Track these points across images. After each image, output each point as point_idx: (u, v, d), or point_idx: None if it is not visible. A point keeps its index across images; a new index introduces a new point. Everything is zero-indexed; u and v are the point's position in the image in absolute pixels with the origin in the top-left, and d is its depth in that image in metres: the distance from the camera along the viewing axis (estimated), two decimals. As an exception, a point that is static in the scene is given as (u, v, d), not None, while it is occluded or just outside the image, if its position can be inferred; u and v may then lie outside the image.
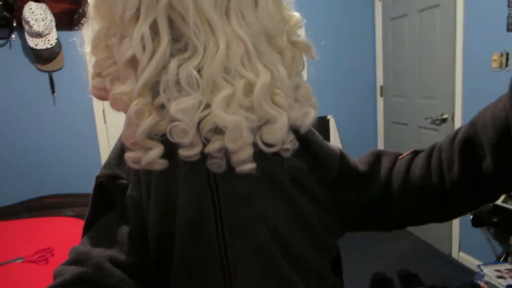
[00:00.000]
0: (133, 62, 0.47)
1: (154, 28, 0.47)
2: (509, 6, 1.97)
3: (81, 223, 1.97)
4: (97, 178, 0.56)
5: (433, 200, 0.55)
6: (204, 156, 0.48)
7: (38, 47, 2.52)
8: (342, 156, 0.60)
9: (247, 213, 0.53)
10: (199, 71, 0.46)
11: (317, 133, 0.61)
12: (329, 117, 3.11)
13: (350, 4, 3.09)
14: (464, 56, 2.31)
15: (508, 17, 1.98)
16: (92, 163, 2.87)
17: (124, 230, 0.54)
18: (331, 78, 3.10)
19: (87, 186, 2.34)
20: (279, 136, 0.49)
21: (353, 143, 3.21)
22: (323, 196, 0.59)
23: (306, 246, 0.57)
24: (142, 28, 0.46)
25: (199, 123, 0.46)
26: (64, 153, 2.82)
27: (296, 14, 0.55)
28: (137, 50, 0.46)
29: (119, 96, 0.48)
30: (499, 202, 1.90)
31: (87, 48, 0.52)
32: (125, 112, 0.48)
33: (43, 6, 2.48)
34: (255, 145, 0.49)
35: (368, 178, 0.59)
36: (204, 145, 0.48)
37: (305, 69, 0.58)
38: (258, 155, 0.49)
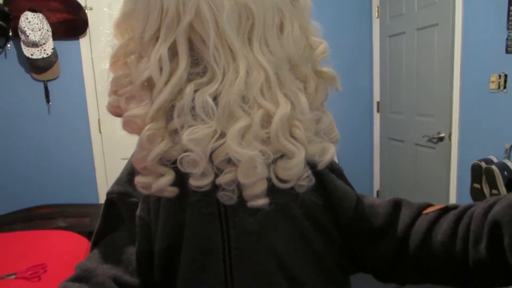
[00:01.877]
0: (149, 83, 0.46)
1: (173, 50, 0.45)
2: (508, 28, 1.99)
3: (73, 237, 1.93)
4: (108, 194, 0.56)
5: (451, 270, 0.50)
6: (215, 186, 0.46)
7: (34, 57, 2.49)
8: (358, 204, 0.57)
9: (257, 247, 0.51)
10: (215, 98, 0.44)
11: (337, 167, 0.58)
12: (326, 131, 3.11)
13: (348, 20, 3.11)
14: (462, 76, 2.32)
15: (507, 39, 1.99)
16: (86, 174, 2.84)
17: (131, 250, 0.54)
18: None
19: (81, 197, 2.32)
20: (294, 173, 0.46)
21: (348, 157, 3.19)
22: (335, 234, 0.57)
23: (316, 281, 0.55)
24: (161, 50, 0.44)
25: (212, 153, 0.44)
26: (58, 162, 2.78)
27: (323, 41, 0.52)
28: (154, 72, 0.44)
29: (132, 119, 0.46)
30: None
31: (106, 64, 0.51)
32: (138, 134, 0.47)
33: (39, 16, 2.46)
34: (268, 179, 0.46)
35: (382, 234, 0.56)
36: (216, 175, 0.46)
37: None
38: (272, 189, 0.47)
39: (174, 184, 0.47)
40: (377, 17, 3.09)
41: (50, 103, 2.68)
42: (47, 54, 2.52)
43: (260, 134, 0.44)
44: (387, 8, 2.98)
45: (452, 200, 2.48)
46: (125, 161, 0.59)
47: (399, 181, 3.02)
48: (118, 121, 0.50)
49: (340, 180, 0.57)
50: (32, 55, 2.48)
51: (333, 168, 0.57)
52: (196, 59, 0.45)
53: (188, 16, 0.43)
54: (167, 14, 0.44)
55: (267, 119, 0.45)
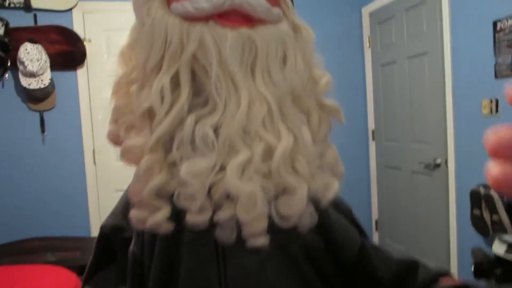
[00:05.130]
0: (150, 113, 0.45)
1: (175, 80, 0.44)
2: (495, 54, 2.03)
3: (61, 272, 1.84)
4: (101, 228, 0.54)
5: None
6: (213, 223, 0.44)
7: (31, 87, 2.52)
8: (361, 249, 0.53)
9: None
10: (216, 130, 0.43)
11: (345, 206, 0.56)
12: (322, 160, 3.10)
13: (340, 50, 3.18)
14: (454, 102, 2.35)
15: (495, 64, 2.04)
16: (79, 205, 2.79)
17: None
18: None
19: (73, 229, 2.25)
20: (297, 209, 0.44)
21: (345, 186, 3.15)
22: (336, 279, 0.53)
23: None
24: (163, 79, 0.44)
25: (210, 187, 0.43)
26: (51, 194, 2.74)
27: (326, 73, 0.52)
28: (155, 102, 0.43)
29: (130, 149, 0.45)
30: (502, 253, 1.84)
31: (108, 93, 0.51)
32: (136, 165, 0.45)
33: (38, 47, 2.52)
34: (269, 217, 0.44)
35: (391, 287, 0.52)
36: (215, 212, 0.43)
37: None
38: (272, 228, 0.44)
39: (170, 219, 0.45)
40: (369, 47, 3.17)
41: (45, 133, 2.68)
42: (44, 84, 2.55)
43: (261, 168, 0.43)
44: (378, 38, 3.06)
45: (453, 229, 2.42)
46: (120, 193, 0.58)
47: (398, 210, 2.98)
48: (113, 152, 0.49)
49: (345, 220, 0.54)
50: (29, 85, 2.51)
51: (340, 207, 0.55)
52: (198, 90, 0.45)
53: (191, 46, 0.43)
54: (171, 43, 0.44)
55: (268, 153, 0.43)
